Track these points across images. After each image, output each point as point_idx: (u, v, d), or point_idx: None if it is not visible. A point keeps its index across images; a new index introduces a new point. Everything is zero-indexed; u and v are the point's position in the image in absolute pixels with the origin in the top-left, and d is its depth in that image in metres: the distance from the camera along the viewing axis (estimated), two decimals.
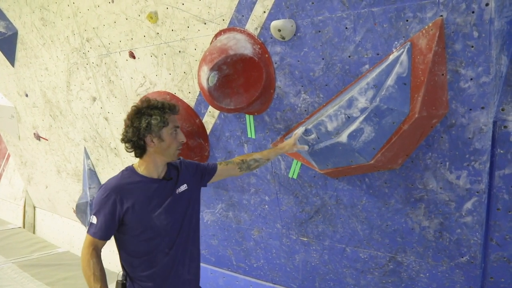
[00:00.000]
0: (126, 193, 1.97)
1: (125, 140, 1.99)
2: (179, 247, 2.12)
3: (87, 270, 1.90)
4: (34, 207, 6.19)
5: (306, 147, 2.35)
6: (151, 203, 2.03)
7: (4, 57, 4.63)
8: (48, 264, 4.39)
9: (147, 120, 1.93)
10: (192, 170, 2.25)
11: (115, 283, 2.13)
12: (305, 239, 2.81)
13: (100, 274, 1.89)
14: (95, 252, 1.94)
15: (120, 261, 2.09)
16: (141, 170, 2.04)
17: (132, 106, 1.99)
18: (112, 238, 2.04)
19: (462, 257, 2.17)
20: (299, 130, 2.33)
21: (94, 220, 1.95)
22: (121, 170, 2.08)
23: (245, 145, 2.77)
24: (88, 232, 1.96)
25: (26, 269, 4.19)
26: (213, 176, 2.34)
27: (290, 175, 2.63)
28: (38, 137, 4.98)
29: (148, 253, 2.04)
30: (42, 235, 5.93)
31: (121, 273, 2.10)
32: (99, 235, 1.95)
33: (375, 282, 2.59)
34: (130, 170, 2.06)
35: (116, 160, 3.99)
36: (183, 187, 2.17)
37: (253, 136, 2.68)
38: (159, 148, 1.99)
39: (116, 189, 1.96)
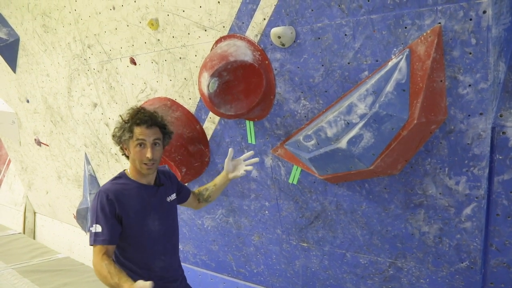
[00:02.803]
0: (120, 196, 1.97)
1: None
2: (171, 254, 2.17)
3: (102, 274, 1.81)
4: (35, 213, 6.18)
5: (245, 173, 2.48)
6: (146, 208, 2.05)
7: (5, 63, 4.65)
8: (48, 270, 4.37)
9: (115, 129, 2.00)
10: (175, 182, 2.29)
11: None
12: (305, 245, 2.81)
13: (115, 270, 1.81)
14: (106, 256, 1.87)
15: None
16: (132, 175, 2.07)
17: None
18: None
19: (462, 263, 2.17)
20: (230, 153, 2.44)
21: (98, 228, 1.88)
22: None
23: (245, 150, 2.78)
24: (94, 243, 1.88)
25: (26, 275, 4.17)
26: (182, 202, 2.38)
27: (290, 181, 2.64)
28: (39, 143, 4.99)
29: (146, 260, 2.05)
30: (42, 241, 5.91)
31: None
32: (108, 240, 1.89)
33: None
34: (122, 175, 2.09)
35: (117, 166, 3.99)
36: (173, 196, 2.22)
37: (254, 142, 2.70)
38: (130, 159, 2.02)
39: (110, 191, 1.95)
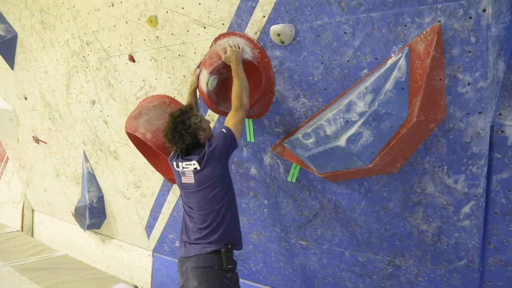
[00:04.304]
0: None
1: (184, 147, 2.32)
2: None
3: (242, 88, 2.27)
4: (33, 211, 6.17)
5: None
6: None
7: (3, 60, 4.63)
8: (46, 267, 4.36)
9: (194, 121, 2.30)
10: None
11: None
12: (304, 243, 2.81)
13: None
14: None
15: (223, 229, 2.41)
16: None
17: (170, 123, 2.32)
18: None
19: (460, 261, 2.17)
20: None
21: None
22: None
23: (244, 148, 2.78)
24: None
25: (24, 272, 4.17)
26: None
27: (289, 179, 2.64)
28: (37, 140, 4.98)
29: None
30: (40, 239, 5.91)
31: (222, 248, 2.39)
32: None
33: (374, 286, 2.59)
34: None
35: (115, 164, 3.99)
36: None
37: (253, 140, 2.69)
38: (206, 137, 2.37)
39: None
